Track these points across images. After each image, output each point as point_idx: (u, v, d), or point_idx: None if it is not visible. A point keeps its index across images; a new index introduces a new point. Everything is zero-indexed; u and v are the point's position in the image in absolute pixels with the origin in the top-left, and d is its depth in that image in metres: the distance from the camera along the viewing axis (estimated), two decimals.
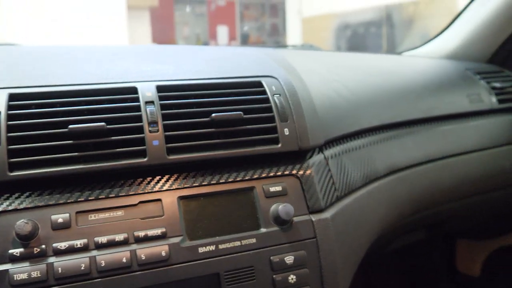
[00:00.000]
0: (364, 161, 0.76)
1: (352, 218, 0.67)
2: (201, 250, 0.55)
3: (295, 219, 0.60)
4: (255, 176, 0.60)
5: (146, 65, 0.67)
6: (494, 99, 1.08)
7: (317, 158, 0.66)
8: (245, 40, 8.84)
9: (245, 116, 0.61)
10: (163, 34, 6.92)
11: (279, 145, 0.62)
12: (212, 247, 0.55)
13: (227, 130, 0.60)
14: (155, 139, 0.57)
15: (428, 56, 1.31)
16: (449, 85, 1.06)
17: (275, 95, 0.64)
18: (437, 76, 1.07)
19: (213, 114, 0.60)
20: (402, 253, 1.46)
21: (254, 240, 0.57)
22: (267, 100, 0.64)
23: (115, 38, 4.37)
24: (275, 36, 8.91)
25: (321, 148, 0.69)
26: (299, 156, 0.64)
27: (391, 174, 0.80)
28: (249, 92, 0.64)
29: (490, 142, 1.02)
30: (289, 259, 0.58)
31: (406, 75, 1.01)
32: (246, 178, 0.60)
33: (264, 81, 0.66)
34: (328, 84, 0.80)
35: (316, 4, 5.40)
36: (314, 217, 0.61)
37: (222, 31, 8.64)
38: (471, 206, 1.07)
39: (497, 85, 1.10)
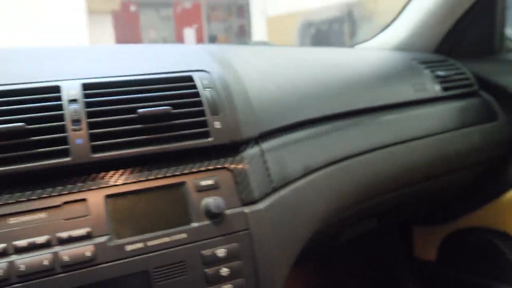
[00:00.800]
0: (304, 152, 0.76)
1: (289, 209, 0.67)
2: (129, 248, 0.54)
3: (228, 211, 0.59)
4: (186, 171, 0.60)
5: (75, 64, 0.66)
6: (438, 87, 1.10)
7: (252, 150, 0.66)
8: (213, 42, 8.82)
9: (174, 110, 0.61)
10: (128, 38, 6.83)
11: (210, 139, 0.61)
12: (141, 245, 0.54)
13: (154, 126, 0.59)
14: (78, 137, 0.56)
15: (378, 48, 1.33)
16: (394, 75, 1.07)
17: (206, 89, 0.64)
18: (383, 67, 1.08)
19: (140, 110, 0.59)
20: (359, 242, 1.48)
21: (185, 235, 0.57)
22: (197, 94, 0.63)
23: (76, 43, 4.29)
24: (242, 37, 8.91)
25: (257, 141, 0.68)
26: (232, 149, 0.64)
27: (332, 165, 0.81)
28: (178, 86, 0.64)
29: (434, 129, 1.04)
30: (221, 252, 0.57)
31: (351, 67, 1.02)
32: (177, 173, 0.59)
33: (195, 75, 0.66)
34: (268, 78, 0.80)
35: (280, 3, 5.43)
36: (247, 209, 0.60)
37: (189, 34, 8.60)
38: (418, 192, 1.09)
39: (441, 73, 1.13)
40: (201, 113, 0.62)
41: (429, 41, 1.26)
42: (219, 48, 0.82)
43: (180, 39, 8.43)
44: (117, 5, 5.72)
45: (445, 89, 1.11)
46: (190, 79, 0.65)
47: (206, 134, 0.61)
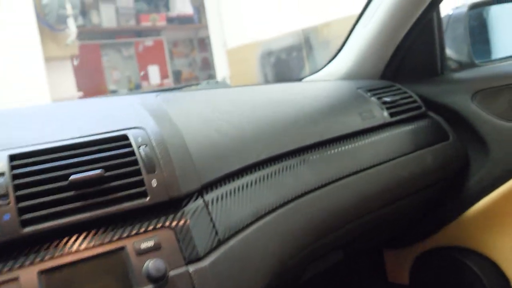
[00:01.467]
0: (252, 198, 0.75)
1: (238, 261, 0.65)
2: None
3: (172, 273, 0.57)
4: (125, 235, 0.58)
5: (2, 132, 0.64)
6: (385, 114, 1.12)
7: (194, 204, 0.64)
8: (177, 77, 8.83)
9: (108, 173, 0.59)
10: (90, 81, 6.78)
11: (147, 199, 0.60)
12: None
13: (88, 192, 0.58)
14: (5, 212, 0.53)
15: (325, 79, 1.36)
16: (341, 106, 1.09)
17: (141, 147, 0.63)
18: (330, 99, 1.10)
19: (71, 177, 0.57)
20: (333, 275, 1.46)
21: None
22: (131, 153, 0.62)
23: (36, 93, 4.23)
24: (206, 70, 8.97)
25: (200, 193, 0.67)
26: (172, 206, 0.62)
27: (283, 206, 0.80)
28: (112, 147, 0.62)
29: (386, 155, 1.05)
30: None
31: (298, 102, 1.03)
32: (115, 238, 0.57)
33: (129, 133, 0.64)
34: (209, 124, 0.80)
35: (239, 34, 5.51)
36: (191, 268, 0.59)
37: (153, 71, 8.60)
38: (379, 219, 1.09)
39: (388, 99, 1.15)
40: (137, 172, 0.61)
41: (374, 68, 1.29)
42: (159, 99, 0.82)
43: (144, 77, 8.42)
44: (75, 49, 5.68)
45: (393, 114, 1.12)
46: (124, 137, 0.64)
47: (142, 194, 0.60)
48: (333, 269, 1.38)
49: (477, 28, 1.47)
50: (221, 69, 6.60)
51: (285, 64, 4.65)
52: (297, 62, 4.52)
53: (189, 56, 9.17)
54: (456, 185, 1.23)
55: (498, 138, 1.12)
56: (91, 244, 0.56)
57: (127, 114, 0.71)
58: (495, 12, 1.52)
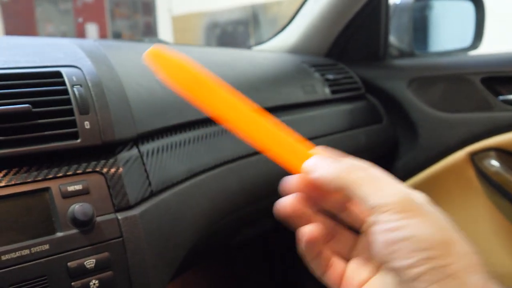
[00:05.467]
0: (189, 154, 0.74)
1: (169, 214, 0.64)
2: None
3: (99, 219, 0.55)
4: (50, 176, 0.54)
5: None
6: (327, 90, 1.14)
7: (128, 153, 0.62)
8: (117, 39, 8.46)
9: (36, 109, 0.55)
10: (21, 32, 6.32)
11: (79, 140, 0.56)
12: None
13: (12, 126, 0.53)
14: None
15: (272, 51, 1.35)
16: (284, 77, 1.09)
17: (75, 86, 0.59)
18: (273, 69, 1.10)
19: None
20: (262, 244, 1.49)
21: (47, 246, 0.51)
22: (65, 92, 0.58)
23: None
24: (149, 35, 8.67)
25: (136, 142, 0.65)
26: (105, 151, 0.59)
27: (219, 166, 0.79)
28: (44, 83, 0.58)
29: (323, 130, 1.07)
30: (90, 263, 0.53)
31: (242, 68, 1.02)
32: (39, 178, 0.54)
33: (63, 71, 0.60)
34: (150, 75, 0.76)
35: (185, 2, 5.36)
36: (120, 215, 0.56)
37: (92, 29, 8.18)
38: None
39: (330, 77, 1.17)
40: (69, 112, 0.57)
41: (320, 45, 1.30)
42: (98, 43, 0.77)
43: (81, 34, 7.99)
44: None
45: (334, 92, 1.15)
46: (57, 74, 0.59)
47: (73, 135, 0.56)
48: (262, 237, 1.40)
49: (419, 20, 1.53)
50: (165, 36, 6.41)
51: (230, 38, 4.60)
52: (243, 37, 4.49)
53: (131, 19, 8.81)
54: (382, 167, 1.28)
55: (427, 126, 1.18)
56: (11, 182, 0.52)
57: (62, 52, 0.66)
58: (438, 7, 1.59)
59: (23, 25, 6.80)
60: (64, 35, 7.96)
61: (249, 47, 1.48)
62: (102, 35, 8.22)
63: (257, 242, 1.47)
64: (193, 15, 5.04)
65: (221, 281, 1.52)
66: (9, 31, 5.59)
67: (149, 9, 8.52)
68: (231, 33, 4.60)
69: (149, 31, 8.64)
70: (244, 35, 4.45)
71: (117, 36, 8.49)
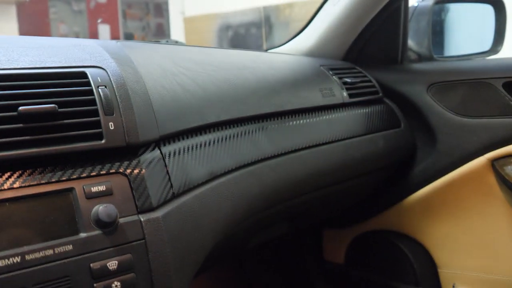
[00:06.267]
0: (209, 157, 0.74)
1: (191, 216, 0.64)
2: (2, 263, 0.47)
3: (122, 220, 0.55)
4: (74, 176, 0.54)
5: None
6: (345, 94, 1.13)
7: (151, 154, 0.62)
8: (129, 40, 8.49)
9: (62, 109, 0.55)
10: (35, 32, 6.37)
11: (103, 141, 0.56)
12: (17, 259, 0.48)
13: (38, 126, 0.53)
14: None
15: (289, 53, 1.34)
16: (303, 80, 1.08)
17: (100, 87, 0.59)
18: (292, 72, 1.09)
19: (20, 108, 0.52)
20: (272, 247, 1.48)
21: (70, 247, 0.51)
22: (90, 92, 0.58)
23: None
24: (161, 36, 8.70)
25: (158, 144, 0.64)
26: (129, 153, 0.59)
27: (239, 169, 0.79)
28: (69, 83, 0.58)
29: (341, 134, 1.06)
30: (113, 264, 0.53)
31: (262, 71, 1.01)
32: (63, 178, 0.53)
33: (88, 72, 0.60)
34: (173, 78, 0.76)
35: (198, 4, 5.38)
36: (143, 217, 0.56)
37: (104, 30, 8.23)
38: (327, 196, 1.11)
39: (348, 80, 1.16)
40: (94, 113, 0.57)
41: (337, 48, 1.29)
42: (120, 44, 0.77)
43: (93, 35, 8.04)
44: None
45: (352, 95, 1.14)
46: (83, 75, 0.59)
47: (98, 136, 0.56)
48: (275, 243, 1.40)
49: (438, 24, 1.52)
50: (177, 38, 6.42)
51: (242, 40, 4.60)
52: (255, 40, 4.49)
53: (143, 20, 8.85)
54: (401, 172, 1.27)
55: (446, 131, 1.17)
56: (36, 181, 0.52)
57: (87, 52, 0.66)
58: (457, 10, 1.58)
59: (36, 25, 6.86)
60: (76, 35, 8.02)
61: (265, 50, 1.47)
62: (114, 36, 8.27)
63: (268, 244, 1.46)
64: (205, 17, 5.06)
65: (230, 283, 1.52)
66: (23, 31, 5.64)
67: (161, 11, 8.55)
68: (244, 35, 4.60)
69: (161, 33, 8.67)
70: (256, 37, 4.45)
71: (129, 37, 8.53)
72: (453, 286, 1.21)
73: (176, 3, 6.33)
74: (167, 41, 1.40)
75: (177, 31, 6.36)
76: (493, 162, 1.07)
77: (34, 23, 6.66)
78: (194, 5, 5.53)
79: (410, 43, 1.35)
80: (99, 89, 0.58)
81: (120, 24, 8.38)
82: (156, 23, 8.75)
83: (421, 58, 1.34)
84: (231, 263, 1.46)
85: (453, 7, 1.57)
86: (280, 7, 4.09)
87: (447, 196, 1.20)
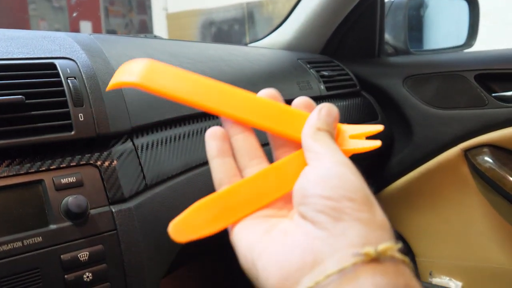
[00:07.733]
0: (185, 149, 0.74)
1: (164, 206, 0.64)
2: None
3: (93, 211, 0.55)
4: (44, 168, 0.54)
5: None
6: (322, 86, 1.14)
7: (122, 146, 0.61)
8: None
9: (30, 100, 0.54)
10: (13, 27, 6.26)
11: (73, 132, 0.56)
12: None
13: (6, 117, 0.53)
14: None
15: (268, 47, 1.35)
16: (280, 73, 1.09)
17: (69, 78, 0.59)
18: (269, 65, 1.09)
19: None
20: None
21: (40, 239, 0.51)
22: (59, 83, 0.58)
23: None
24: (144, 33, 8.62)
25: (130, 136, 0.64)
26: (100, 144, 0.59)
27: None
28: (38, 74, 0.57)
29: None
30: (84, 255, 0.53)
31: (238, 63, 1.02)
32: (32, 170, 0.53)
33: (57, 63, 0.60)
34: None
35: (181, 0, 5.35)
36: (114, 208, 0.56)
37: (86, 27, 8.13)
38: None
39: (325, 73, 1.17)
40: (63, 104, 0.56)
41: (315, 42, 1.30)
42: (93, 37, 0.76)
43: (75, 32, 7.93)
44: None
45: (329, 88, 1.15)
46: (51, 66, 0.59)
47: (68, 127, 0.56)
48: None
49: (414, 18, 1.54)
50: (160, 34, 6.39)
51: (226, 36, 4.59)
52: (239, 36, 4.48)
53: (126, 17, 8.77)
54: (378, 164, 1.29)
55: (422, 123, 1.19)
56: (5, 173, 0.52)
57: (57, 44, 0.65)
58: (432, 6, 1.60)
59: (15, 21, 6.74)
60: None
61: (245, 44, 1.47)
62: (96, 33, 8.17)
63: None
64: (188, 13, 5.03)
65: (216, 276, 1.52)
66: (1, 27, 5.55)
67: (144, 7, 8.48)
68: (227, 31, 4.59)
69: (144, 30, 8.60)
70: (239, 33, 4.44)
71: (112, 33, 8.45)
72: (430, 274, 1.23)
73: (159, 0, 6.29)
74: (145, 36, 1.39)
75: (160, 27, 6.33)
76: (466, 152, 1.09)
77: (11, 18, 6.54)
78: (177, 2, 5.49)
79: (387, 37, 1.37)
80: (68, 80, 0.58)
81: (102, 21, 8.29)
82: (139, 20, 8.68)
83: (397, 51, 1.36)
84: (215, 255, 1.46)
85: (430, 2, 1.59)
86: (263, 3, 4.10)
87: (423, 187, 1.22)
